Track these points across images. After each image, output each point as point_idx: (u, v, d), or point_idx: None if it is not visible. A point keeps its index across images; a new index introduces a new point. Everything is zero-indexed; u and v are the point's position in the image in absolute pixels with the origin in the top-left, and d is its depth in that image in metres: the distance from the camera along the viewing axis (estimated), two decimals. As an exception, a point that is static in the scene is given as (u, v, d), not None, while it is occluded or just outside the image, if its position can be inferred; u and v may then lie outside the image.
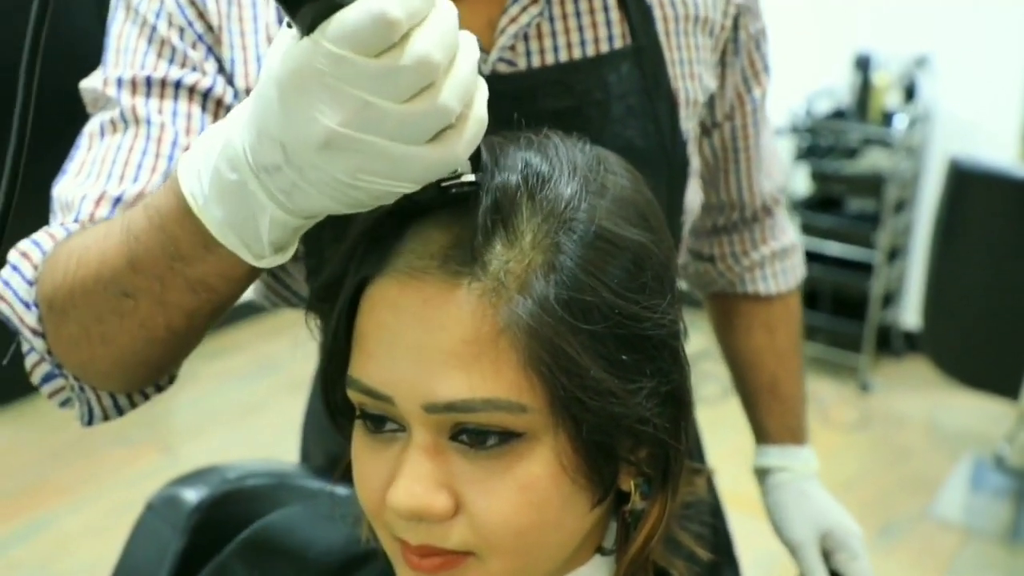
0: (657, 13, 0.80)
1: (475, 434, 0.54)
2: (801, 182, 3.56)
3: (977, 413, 3.22)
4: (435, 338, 0.52)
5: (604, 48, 0.78)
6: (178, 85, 0.72)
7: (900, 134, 3.25)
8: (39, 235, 0.69)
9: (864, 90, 3.36)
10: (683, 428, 0.60)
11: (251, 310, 3.49)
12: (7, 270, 0.68)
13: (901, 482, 2.91)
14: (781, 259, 1.06)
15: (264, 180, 0.52)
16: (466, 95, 0.49)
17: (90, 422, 0.72)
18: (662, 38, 0.80)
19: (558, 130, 0.61)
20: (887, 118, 3.33)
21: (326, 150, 0.48)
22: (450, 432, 0.54)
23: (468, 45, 0.50)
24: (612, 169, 0.59)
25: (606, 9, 0.78)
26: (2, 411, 3.13)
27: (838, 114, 3.46)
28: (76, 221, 0.69)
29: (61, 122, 0.78)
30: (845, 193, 3.53)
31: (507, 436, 0.53)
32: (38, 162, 0.73)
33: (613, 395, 0.54)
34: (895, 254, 3.52)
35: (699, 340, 1.12)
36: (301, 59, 0.47)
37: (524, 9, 0.75)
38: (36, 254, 0.68)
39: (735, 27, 0.86)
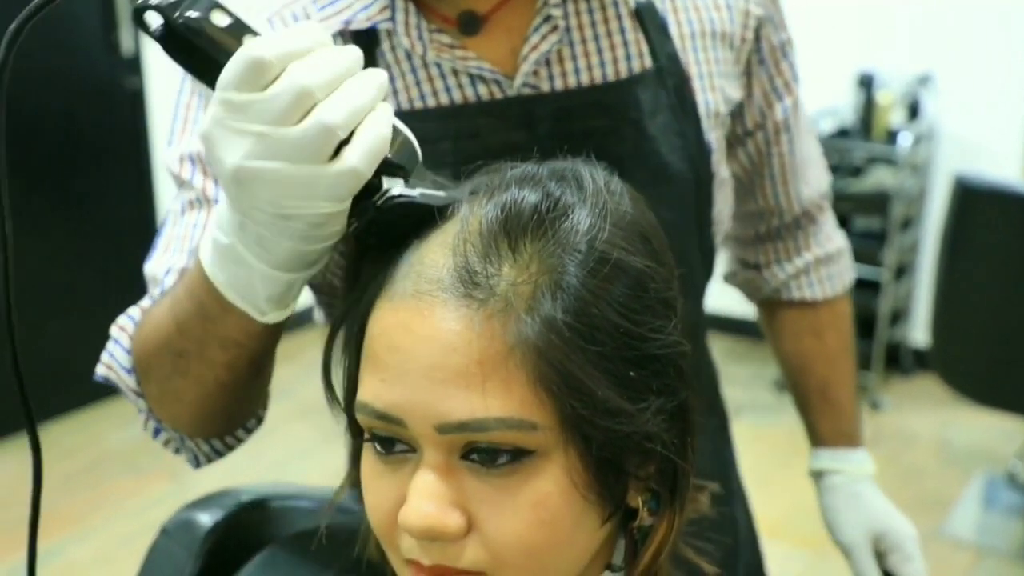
0: (673, 30, 0.83)
1: (486, 453, 0.54)
2: (806, 201, 3.57)
3: (988, 430, 3.21)
4: (446, 359, 0.53)
5: (623, 68, 0.81)
6: None
7: (905, 152, 3.26)
8: (133, 309, 0.77)
9: (868, 109, 3.37)
10: (690, 444, 0.60)
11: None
12: (110, 343, 0.77)
13: (913, 501, 2.89)
14: (827, 265, 1.07)
15: (242, 238, 0.59)
16: (353, 112, 0.54)
17: (198, 465, 0.81)
18: (680, 54, 0.83)
19: (594, 147, 0.64)
20: (891, 136, 3.35)
21: (239, 185, 0.55)
22: (461, 451, 0.54)
23: (369, 75, 0.56)
24: (617, 193, 0.60)
25: (623, 31, 0.81)
26: (9, 440, 3.12)
27: (843, 133, 3.47)
28: (162, 293, 0.76)
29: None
30: (851, 211, 3.54)
31: (518, 454, 0.53)
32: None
33: (621, 413, 0.54)
34: (902, 271, 3.52)
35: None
36: (209, 113, 0.55)
37: (544, 37, 0.79)
38: (131, 326, 0.76)
39: (757, 38, 0.89)
